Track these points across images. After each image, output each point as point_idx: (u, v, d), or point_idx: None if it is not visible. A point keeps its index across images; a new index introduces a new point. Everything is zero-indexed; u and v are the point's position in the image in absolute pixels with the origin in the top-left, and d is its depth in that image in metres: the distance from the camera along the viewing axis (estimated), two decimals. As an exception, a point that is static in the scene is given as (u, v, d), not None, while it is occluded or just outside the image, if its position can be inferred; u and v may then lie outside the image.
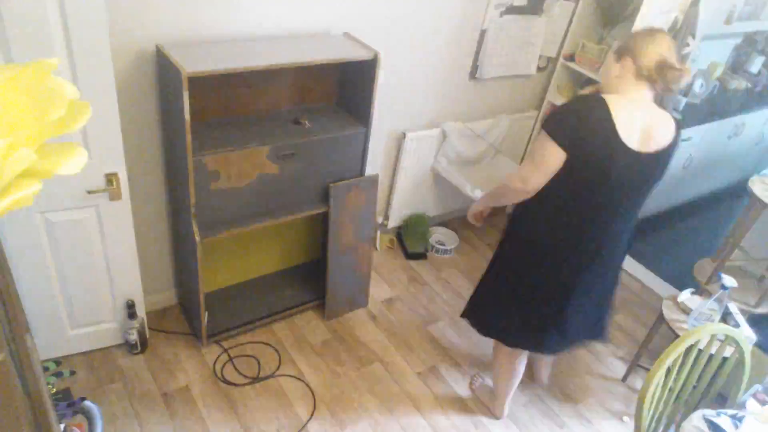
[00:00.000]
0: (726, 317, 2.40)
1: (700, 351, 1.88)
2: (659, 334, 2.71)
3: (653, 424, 1.85)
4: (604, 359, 2.91)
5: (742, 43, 4.35)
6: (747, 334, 2.33)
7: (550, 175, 1.80)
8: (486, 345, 2.85)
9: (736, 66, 4.46)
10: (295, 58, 2.11)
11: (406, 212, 3.39)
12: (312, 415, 2.38)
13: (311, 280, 2.93)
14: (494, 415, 2.51)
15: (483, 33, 2.98)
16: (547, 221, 1.92)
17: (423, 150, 3.16)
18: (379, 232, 3.35)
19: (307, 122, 2.37)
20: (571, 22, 3.23)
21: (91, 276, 2.24)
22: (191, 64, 1.89)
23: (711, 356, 1.94)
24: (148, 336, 2.54)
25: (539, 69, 3.40)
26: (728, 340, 1.86)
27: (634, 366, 2.77)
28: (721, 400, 2.47)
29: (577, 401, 2.66)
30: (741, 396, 1.89)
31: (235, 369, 2.51)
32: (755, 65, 4.41)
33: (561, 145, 1.74)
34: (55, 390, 1.96)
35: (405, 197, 3.31)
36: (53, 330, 2.30)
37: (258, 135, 2.24)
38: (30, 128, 0.65)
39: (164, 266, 2.64)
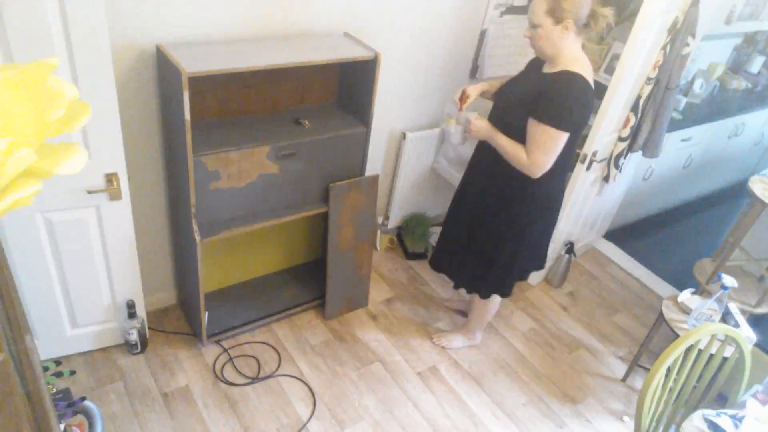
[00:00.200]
0: (726, 317, 2.40)
1: (700, 351, 1.88)
2: (659, 334, 2.71)
3: (653, 424, 1.85)
4: (604, 359, 2.91)
5: (742, 43, 4.36)
6: (747, 334, 2.33)
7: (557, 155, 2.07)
8: (486, 345, 2.86)
9: (736, 66, 4.46)
10: (295, 58, 2.11)
11: (406, 212, 3.40)
12: (312, 415, 2.38)
13: (311, 280, 2.93)
14: (475, 342, 2.84)
15: (483, 33, 2.98)
16: (558, 181, 2.24)
17: (423, 150, 3.16)
18: (379, 232, 3.35)
19: (307, 122, 2.37)
20: (571, 22, 3.22)
21: (91, 276, 2.24)
22: (191, 64, 1.89)
23: (711, 356, 1.94)
24: (148, 336, 2.54)
25: (539, 69, 3.40)
26: (728, 340, 1.86)
27: (634, 366, 2.77)
28: (721, 400, 2.48)
29: (577, 401, 2.66)
30: (741, 396, 1.89)
31: (235, 369, 2.51)
32: (755, 65, 4.41)
33: (567, 131, 1.99)
34: (55, 390, 1.96)
35: (405, 197, 3.31)
36: (53, 330, 2.31)
37: (258, 135, 2.24)
38: (30, 128, 0.65)
39: (164, 266, 2.64)
